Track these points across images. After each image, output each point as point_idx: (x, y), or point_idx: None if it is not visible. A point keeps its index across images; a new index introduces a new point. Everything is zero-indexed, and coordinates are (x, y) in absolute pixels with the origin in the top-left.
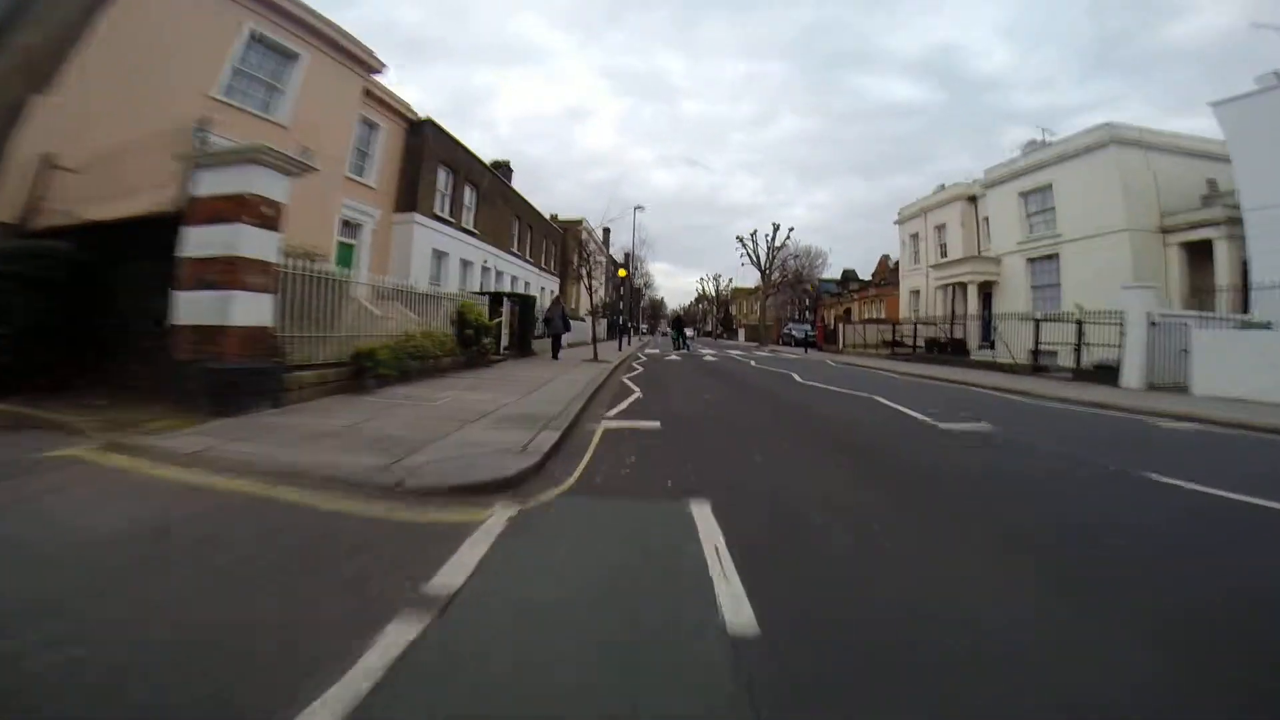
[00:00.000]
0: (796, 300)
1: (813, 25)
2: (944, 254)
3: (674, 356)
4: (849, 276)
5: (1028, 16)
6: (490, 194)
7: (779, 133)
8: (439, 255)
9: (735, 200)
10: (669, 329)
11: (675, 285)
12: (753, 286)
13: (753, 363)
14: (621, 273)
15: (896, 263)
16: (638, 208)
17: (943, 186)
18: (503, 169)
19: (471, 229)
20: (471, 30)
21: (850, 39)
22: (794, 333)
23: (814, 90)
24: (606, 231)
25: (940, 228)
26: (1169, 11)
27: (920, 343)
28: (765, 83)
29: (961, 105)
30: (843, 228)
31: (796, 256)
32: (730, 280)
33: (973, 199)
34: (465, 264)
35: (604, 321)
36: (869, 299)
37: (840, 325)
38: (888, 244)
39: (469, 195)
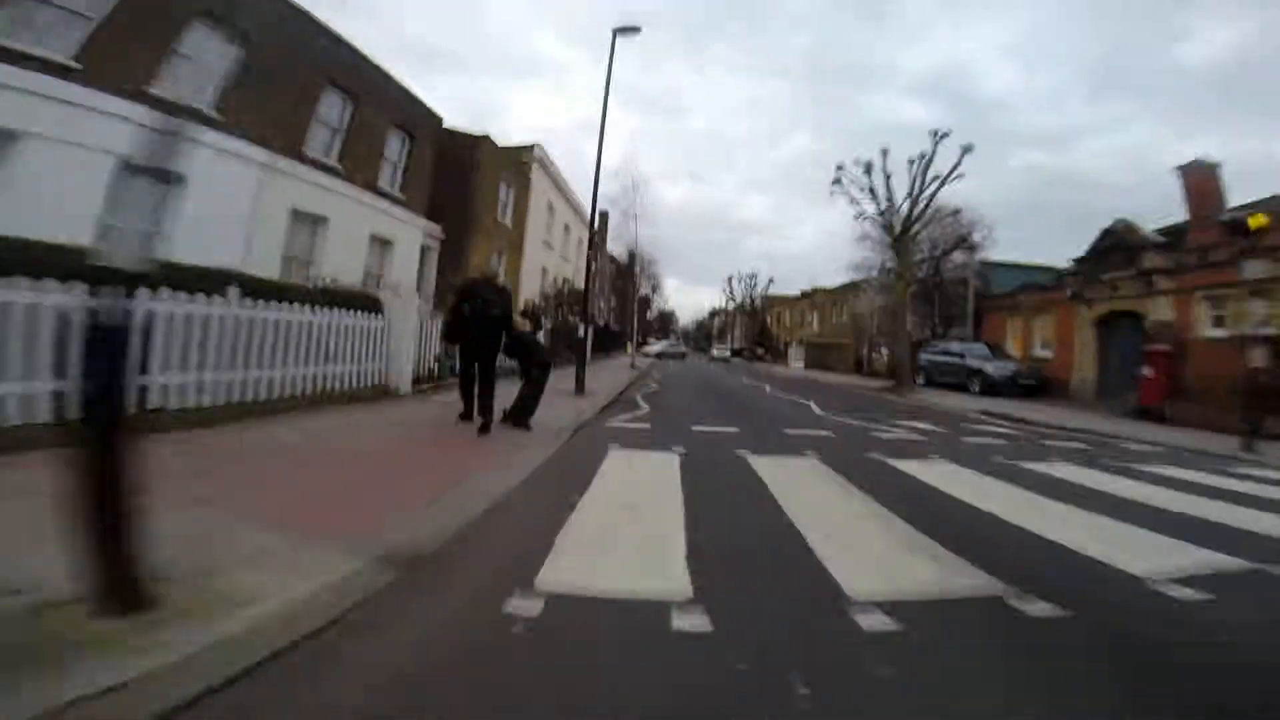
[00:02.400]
0: (922, 299)
1: (822, 44)
2: None
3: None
4: (1127, 237)
5: (1034, 38)
6: None
7: (788, 151)
8: None
9: (746, 217)
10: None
11: (685, 301)
12: (793, 295)
13: None
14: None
15: None
16: (620, 30)
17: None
18: None
19: None
20: (486, 44)
21: (858, 56)
22: (986, 369)
23: (823, 109)
24: (604, 216)
25: None
26: (1175, 33)
27: None
28: (775, 101)
29: (969, 126)
30: (855, 251)
31: (942, 216)
32: (770, 281)
33: None
34: None
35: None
36: None
37: None
38: None
39: None
